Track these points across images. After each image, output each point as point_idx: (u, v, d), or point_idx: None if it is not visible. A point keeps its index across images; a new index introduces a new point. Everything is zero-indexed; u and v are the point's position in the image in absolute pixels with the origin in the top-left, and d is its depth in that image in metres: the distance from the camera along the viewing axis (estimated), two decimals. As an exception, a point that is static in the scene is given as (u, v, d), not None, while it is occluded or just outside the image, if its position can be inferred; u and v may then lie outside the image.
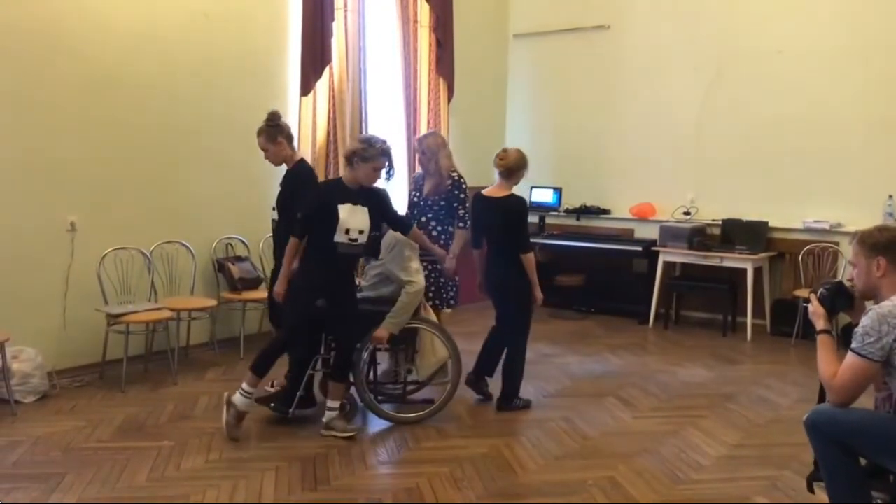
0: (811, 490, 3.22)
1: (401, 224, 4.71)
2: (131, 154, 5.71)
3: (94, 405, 4.92)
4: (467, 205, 5.34)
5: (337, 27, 6.87)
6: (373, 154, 4.41)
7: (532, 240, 8.11)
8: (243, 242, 6.36)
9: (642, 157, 8.13)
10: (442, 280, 5.30)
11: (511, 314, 5.05)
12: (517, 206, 4.99)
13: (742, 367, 6.23)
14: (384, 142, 4.51)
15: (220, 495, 3.67)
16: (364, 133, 7.05)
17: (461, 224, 5.31)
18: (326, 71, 6.81)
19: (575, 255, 8.20)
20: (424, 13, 7.78)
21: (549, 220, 8.59)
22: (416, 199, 5.44)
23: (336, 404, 4.51)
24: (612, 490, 3.81)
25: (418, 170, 5.70)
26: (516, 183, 5.05)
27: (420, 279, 4.66)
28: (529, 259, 4.89)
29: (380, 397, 4.88)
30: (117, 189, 5.65)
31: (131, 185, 5.72)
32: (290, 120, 6.74)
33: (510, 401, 5.01)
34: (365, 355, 4.66)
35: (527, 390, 5.37)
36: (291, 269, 4.49)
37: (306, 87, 6.72)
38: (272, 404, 4.72)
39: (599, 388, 5.52)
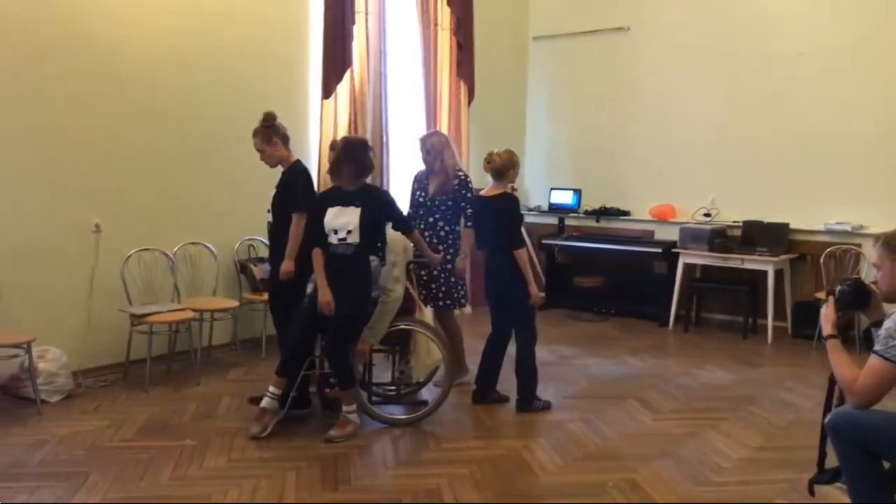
0: (811, 492, 3.23)
1: (404, 225, 4.73)
2: (155, 156, 5.78)
3: (118, 405, 4.98)
4: (473, 203, 5.37)
5: (358, 30, 6.90)
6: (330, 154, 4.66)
7: (551, 241, 8.28)
8: (265, 244, 6.38)
9: (662, 158, 8.11)
10: (452, 280, 5.31)
11: (511, 315, 5.04)
12: (506, 204, 5.02)
13: (763, 369, 6.21)
14: (337, 139, 4.77)
15: (241, 494, 3.71)
16: (385, 136, 7.09)
17: (468, 223, 5.33)
18: (347, 74, 6.84)
19: (594, 256, 8.19)
20: (445, 16, 7.80)
21: (568, 222, 8.59)
22: (420, 199, 5.43)
23: (353, 408, 4.53)
24: (632, 492, 3.81)
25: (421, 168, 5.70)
26: (511, 182, 5.08)
27: (398, 289, 4.60)
28: (521, 255, 4.90)
29: (374, 398, 4.90)
30: (141, 191, 5.72)
31: (154, 187, 5.79)
32: (312, 123, 6.82)
33: (529, 402, 5.02)
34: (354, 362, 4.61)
35: (546, 391, 5.38)
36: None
37: (327, 91, 6.76)
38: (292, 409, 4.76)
39: (619, 390, 5.52)
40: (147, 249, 5.67)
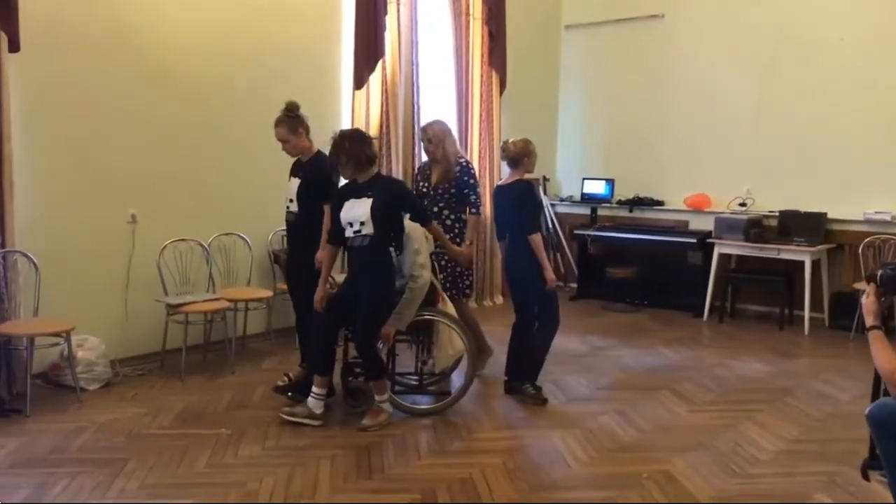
0: (866, 478, 3.17)
1: (421, 215, 4.71)
2: (190, 148, 5.84)
3: (155, 393, 5.05)
4: (478, 190, 5.38)
5: (390, 21, 6.91)
6: None
7: (583, 232, 8.24)
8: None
9: (697, 147, 8.02)
10: (458, 269, 5.30)
11: (531, 302, 5.01)
12: (519, 190, 5.00)
13: (799, 361, 6.13)
14: (335, 131, 4.64)
15: (276, 482, 3.74)
16: (416, 126, 7.09)
17: (473, 210, 5.32)
18: (379, 65, 6.85)
19: (627, 247, 8.14)
20: (477, 5, 7.78)
21: (601, 212, 8.55)
22: (424, 189, 5.41)
23: (384, 397, 4.55)
24: (667, 484, 3.78)
25: (424, 159, 5.68)
26: (528, 171, 5.04)
27: (425, 274, 4.59)
28: (535, 241, 4.86)
29: (397, 387, 4.91)
30: (176, 182, 5.77)
31: (189, 179, 5.84)
32: (344, 113, 6.84)
33: (519, 386, 5.02)
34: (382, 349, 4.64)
35: (579, 382, 5.39)
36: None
37: (359, 81, 6.77)
38: (289, 393, 4.80)
39: (653, 381, 5.48)
40: (182, 240, 5.72)
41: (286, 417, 4.48)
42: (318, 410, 4.50)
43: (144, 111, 5.57)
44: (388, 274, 4.51)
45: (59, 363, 5.04)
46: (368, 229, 4.41)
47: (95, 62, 5.30)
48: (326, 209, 4.68)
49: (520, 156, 4.97)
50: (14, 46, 4.78)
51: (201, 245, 5.84)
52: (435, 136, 5.32)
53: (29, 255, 4.92)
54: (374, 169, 4.55)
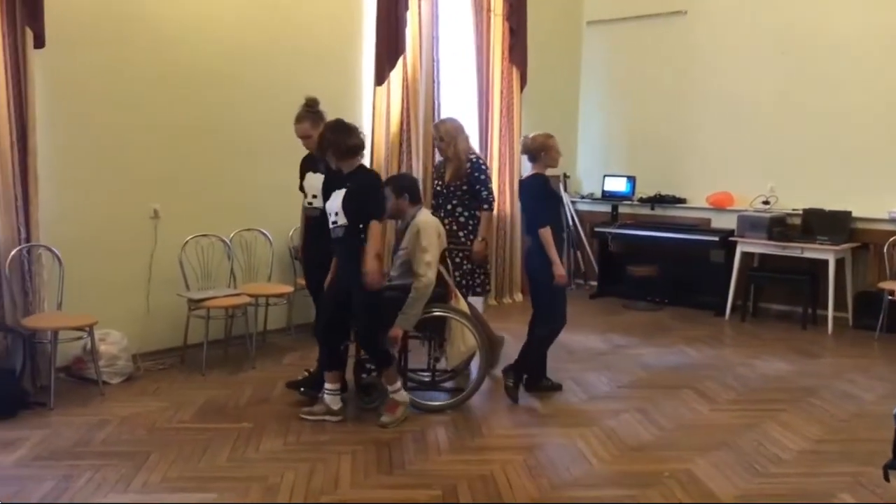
0: (887, 478, 3.13)
1: (373, 213, 4.44)
2: (212, 143, 5.86)
3: (177, 387, 5.08)
4: (490, 186, 5.35)
5: (411, 17, 6.90)
6: None
7: (604, 229, 8.20)
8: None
9: (719, 145, 7.96)
10: (469, 266, 5.28)
11: (540, 295, 4.99)
12: (531, 183, 5.01)
13: (823, 360, 6.06)
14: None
15: (297, 477, 3.75)
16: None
17: (485, 206, 5.30)
18: (400, 61, 6.84)
19: (648, 245, 8.08)
20: (498, 2, 7.76)
21: (622, 210, 8.50)
22: (438, 187, 5.41)
23: (397, 386, 4.52)
24: (689, 483, 3.75)
25: (438, 158, 5.66)
26: (549, 165, 4.99)
27: (429, 273, 4.54)
28: (544, 235, 4.83)
29: (410, 384, 4.90)
30: (198, 178, 5.80)
31: (211, 174, 5.87)
32: (365, 110, 6.84)
33: (534, 384, 5.02)
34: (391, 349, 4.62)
35: (600, 380, 5.37)
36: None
37: (380, 77, 6.77)
38: (301, 389, 4.81)
39: (675, 379, 5.44)
40: (204, 235, 5.75)
41: (305, 417, 4.50)
42: (336, 406, 4.50)
43: (167, 107, 5.59)
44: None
45: (83, 357, 5.09)
46: (342, 220, 4.40)
47: (119, 58, 5.33)
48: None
49: (537, 150, 4.95)
50: (39, 42, 4.81)
51: (223, 240, 5.86)
52: (447, 134, 5.32)
53: (53, 249, 4.96)
54: (356, 160, 4.48)
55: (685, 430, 4.48)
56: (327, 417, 4.47)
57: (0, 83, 4.65)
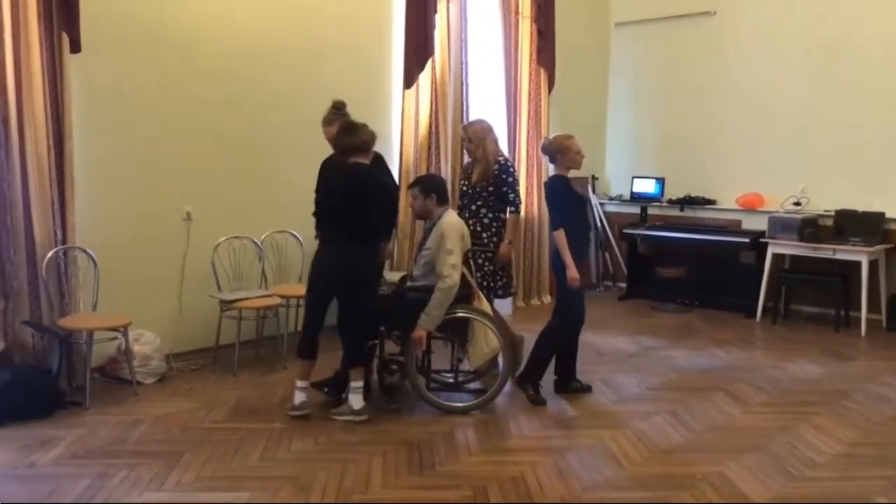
0: None
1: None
2: (243, 147, 5.92)
3: (209, 388, 5.13)
4: (517, 188, 5.33)
5: (439, 19, 6.93)
6: (375, 139, 4.70)
7: (633, 231, 8.16)
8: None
9: (750, 145, 7.89)
10: (491, 268, 5.27)
11: (560, 293, 4.98)
12: (550, 184, 5.04)
13: (857, 363, 5.99)
14: None
15: (328, 477, 3.77)
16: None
17: (512, 209, 5.29)
18: (429, 63, 6.88)
19: (678, 246, 8.03)
20: (526, 4, 7.76)
21: (651, 211, 8.45)
22: (464, 189, 5.41)
23: (358, 384, 4.53)
24: (722, 486, 3.72)
25: (467, 159, 5.66)
26: (569, 167, 4.95)
27: (454, 275, 4.54)
28: (557, 237, 4.84)
29: (433, 385, 4.91)
30: (230, 180, 5.86)
31: (243, 177, 5.93)
32: (394, 112, 6.88)
33: (522, 381, 4.96)
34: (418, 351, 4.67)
35: (630, 382, 5.35)
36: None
37: (409, 80, 6.80)
38: (325, 389, 4.82)
39: (706, 382, 5.40)
40: (236, 237, 5.81)
41: (335, 418, 4.53)
42: (357, 405, 4.51)
43: (200, 111, 5.66)
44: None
45: (117, 357, 5.15)
46: None
47: (152, 64, 5.41)
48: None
49: (554, 152, 4.95)
50: (75, 48, 4.89)
51: (254, 242, 5.92)
52: (475, 135, 5.31)
53: (88, 251, 5.04)
54: (355, 157, 4.56)
55: (717, 433, 4.45)
56: (350, 417, 4.49)
57: (37, 88, 4.73)
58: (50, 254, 4.84)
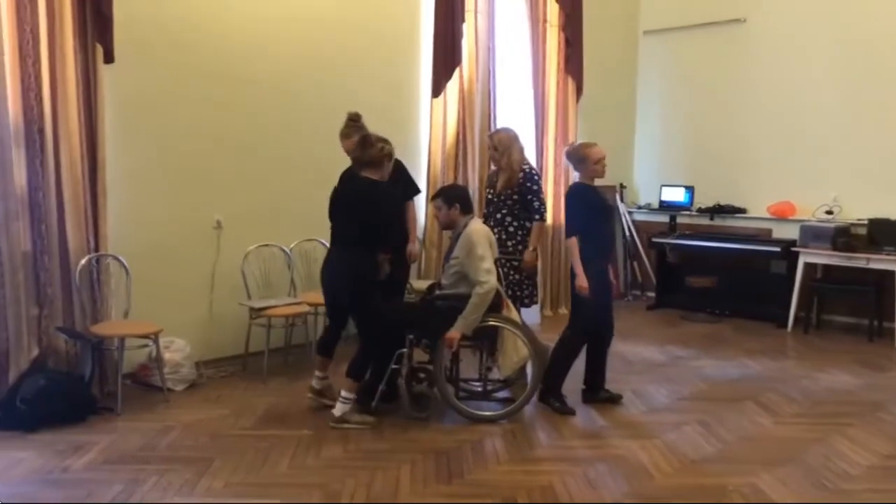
0: None
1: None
2: (271, 157, 5.96)
3: (238, 395, 5.15)
4: (541, 196, 5.31)
5: (467, 29, 6.94)
6: (393, 153, 4.75)
7: (662, 240, 8.11)
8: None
9: (780, 154, 7.82)
10: (517, 277, 5.24)
11: (597, 309, 4.92)
12: (568, 193, 5.08)
13: (891, 374, 5.89)
14: None
15: (358, 484, 3.78)
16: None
17: (536, 217, 5.27)
18: (456, 72, 6.89)
19: (708, 255, 7.97)
20: (554, 12, 7.76)
21: (680, 220, 8.39)
22: (489, 196, 5.41)
23: (350, 396, 4.57)
24: (755, 497, 3.67)
25: (492, 167, 5.65)
26: (592, 175, 4.90)
27: (491, 279, 4.55)
28: (567, 244, 4.85)
29: (461, 393, 4.89)
30: (260, 189, 5.90)
31: (273, 186, 5.97)
32: (422, 121, 6.90)
33: (546, 397, 4.92)
34: (447, 352, 4.66)
35: (660, 392, 5.31)
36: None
37: (437, 89, 6.83)
38: (355, 397, 4.82)
39: (737, 392, 5.34)
40: (266, 245, 5.86)
41: (332, 426, 4.57)
42: (337, 413, 4.56)
43: (230, 121, 5.72)
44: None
45: (148, 364, 5.20)
46: None
47: (183, 73, 5.47)
48: (410, 204, 5.10)
49: (574, 160, 4.95)
50: (109, 58, 4.96)
51: (283, 250, 5.95)
52: (501, 143, 5.32)
53: (120, 258, 5.09)
54: (367, 172, 4.64)
55: (749, 444, 4.39)
56: (351, 426, 4.53)
57: (72, 98, 4.80)
58: (83, 261, 4.90)
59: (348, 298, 4.63)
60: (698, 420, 4.74)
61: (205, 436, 4.40)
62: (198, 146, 5.58)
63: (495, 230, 5.25)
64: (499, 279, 4.91)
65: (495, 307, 4.72)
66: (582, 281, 4.75)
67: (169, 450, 4.20)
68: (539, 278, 5.73)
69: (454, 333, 4.55)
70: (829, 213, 7.35)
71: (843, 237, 7.03)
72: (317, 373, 4.92)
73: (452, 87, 6.91)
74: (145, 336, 4.97)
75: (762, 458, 4.14)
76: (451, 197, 4.81)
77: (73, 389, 4.66)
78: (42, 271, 4.77)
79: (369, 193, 4.60)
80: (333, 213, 4.74)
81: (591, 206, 4.89)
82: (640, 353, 6.34)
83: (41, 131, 4.70)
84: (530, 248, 5.27)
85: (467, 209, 4.81)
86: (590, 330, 4.93)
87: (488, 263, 4.59)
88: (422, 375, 4.78)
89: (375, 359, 4.68)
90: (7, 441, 4.24)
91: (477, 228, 4.71)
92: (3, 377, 4.65)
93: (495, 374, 4.99)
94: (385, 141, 4.69)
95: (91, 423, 4.55)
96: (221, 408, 4.88)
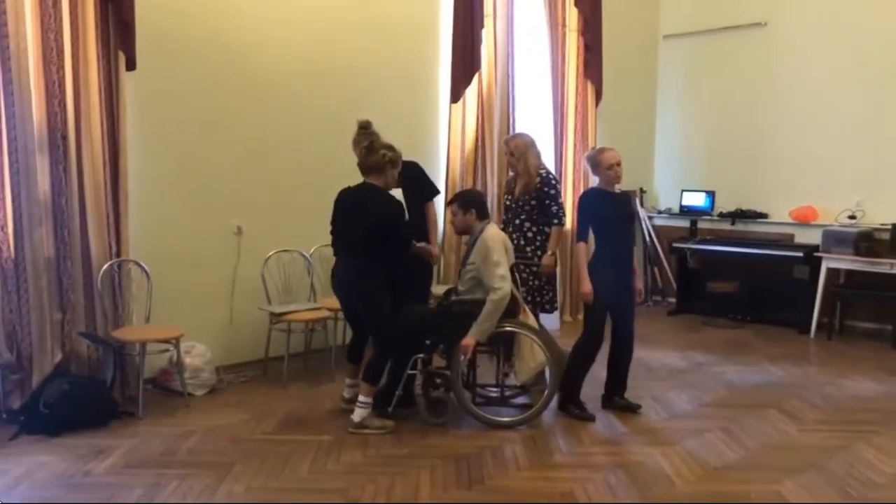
0: None
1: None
2: (291, 163, 5.99)
3: (258, 399, 5.17)
4: (560, 201, 5.28)
5: (486, 34, 6.95)
6: (399, 160, 4.75)
7: (682, 245, 8.07)
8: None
9: (802, 158, 7.75)
10: (537, 282, 5.21)
11: (617, 315, 4.91)
12: (581, 197, 5.09)
13: (917, 381, 5.82)
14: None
15: (378, 490, 3.77)
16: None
17: (555, 221, 5.24)
18: (475, 78, 6.89)
19: (729, 260, 7.92)
20: (573, 17, 7.75)
21: (701, 225, 8.35)
22: (508, 203, 5.39)
23: (367, 400, 4.57)
24: (778, 504, 3.65)
25: (510, 173, 5.63)
26: (608, 180, 4.84)
27: (505, 286, 4.52)
28: (575, 249, 4.85)
29: (478, 399, 4.88)
30: (280, 195, 5.93)
31: (293, 192, 5.99)
32: (441, 127, 6.90)
33: (565, 406, 4.90)
34: (463, 359, 4.63)
35: (681, 399, 5.27)
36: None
37: (456, 95, 6.83)
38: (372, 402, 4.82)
39: (759, 398, 5.29)
40: (285, 251, 5.88)
41: (351, 431, 4.58)
42: (356, 418, 4.57)
43: (249, 126, 5.75)
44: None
45: (169, 369, 5.23)
46: None
47: (202, 79, 5.50)
48: (430, 205, 5.15)
49: (589, 164, 4.94)
50: (131, 65, 5.00)
51: (303, 255, 5.97)
52: (517, 149, 5.29)
53: (142, 264, 5.13)
54: (370, 177, 4.71)
55: (772, 451, 4.35)
56: (370, 431, 4.54)
57: (94, 105, 4.85)
58: (105, 266, 4.94)
59: (356, 303, 4.69)
60: (720, 427, 4.70)
61: (225, 440, 4.42)
62: (218, 152, 5.61)
63: (514, 236, 5.24)
64: (516, 284, 4.90)
65: (512, 312, 4.70)
66: (584, 286, 4.76)
67: (190, 454, 4.22)
68: (558, 283, 5.68)
69: (469, 341, 4.53)
70: (853, 217, 7.28)
71: (866, 242, 6.96)
72: (347, 380, 4.96)
73: (471, 92, 6.91)
74: (166, 341, 4.99)
75: (785, 466, 4.10)
76: (466, 202, 4.81)
77: (95, 394, 4.70)
78: (65, 276, 4.82)
79: (369, 199, 4.63)
80: (335, 221, 4.81)
81: (599, 213, 4.83)
82: (661, 359, 6.29)
83: (64, 137, 4.75)
84: (549, 253, 5.26)
85: (483, 214, 4.80)
86: (596, 335, 4.88)
87: (503, 270, 4.57)
88: (438, 381, 4.77)
89: (394, 363, 4.68)
90: (31, 445, 4.28)
91: (493, 234, 4.70)
92: (27, 382, 4.69)
93: (512, 380, 4.97)
94: (389, 147, 4.70)
95: (113, 427, 4.58)
96: (242, 412, 4.90)
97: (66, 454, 4.15)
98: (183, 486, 3.79)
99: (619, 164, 4.82)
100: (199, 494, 3.71)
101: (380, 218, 4.60)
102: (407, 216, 4.91)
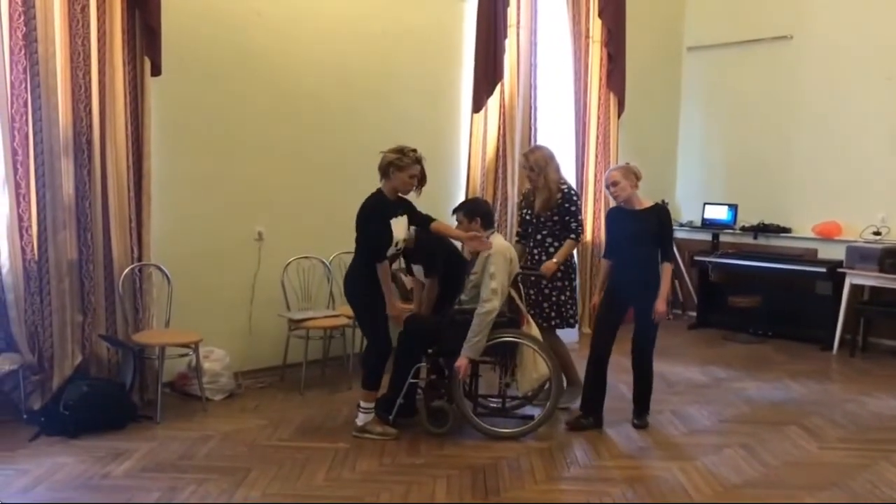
0: None
1: (425, 221, 4.79)
2: (313, 169, 6.01)
3: (276, 405, 5.18)
4: (580, 217, 5.25)
5: (509, 44, 6.94)
6: (407, 163, 4.57)
7: (704, 258, 8.03)
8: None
9: (827, 173, 7.68)
10: (561, 298, 5.18)
11: (639, 325, 4.91)
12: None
13: (942, 400, 5.73)
14: (415, 150, 4.63)
15: (392, 498, 3.76)
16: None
17: (572, 236, 5.18)
18: (498, 88, 6.89)
19: (751, 275, 7.84)
20: (596, 28, 7.73)
21: (723, 238, 8.28)
22: (527, 217, 5.32)
23: (369, 405, 4.58)
24: (798, 523, 3.59)
25: (527, 185, 5.55)
26: (615, 196, 4.87)
27: (494, 301, 4.47)
28: (599, 265, 4.88)
29: (480, 410, 4.84)
30: (301, 202, 5.95)
31: (313, 199, 6.01)
32: (462, 136, 6.90)
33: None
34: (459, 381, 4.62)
35: (701, 414, 5.22)
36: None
37: (478, 104, 6.83)
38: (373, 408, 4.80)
39: (780, 415, 5.23)
40: (305, 257, 5.89)
41: (356, 435, 4.60)
42: (359, 423, 4.60)
43: (271, 133, 5.78)
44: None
45: (187, 373, 5.25)
46: (402, 244, 4.75)
47: (226, 86, 5.54)
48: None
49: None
50: (156, 71, 5.04)
51: (323, 262, 5.98)
52: (536, 164, 5.17)
53: (163, 268, 5.16)
54: (383, 179, 4.69)
55: (792, 468, 4.29)
56: (374, 437, 4.56)
57: (119, 109, 4.89)
58: (126, 270, 4.97)
59: (349, 304, 4.77)
60: (740, 443, 4.65)
61: (242, 446, 4.43)
62: (240, 159, 5.64)
63: (535, 251, 5.20)
64: (520, 295, 4.85)
65: (515, 324, 4.69)
66: (594, 299, 5.00)
67: (207, 459, 4.23)
68: (578, 295, 5.64)
69: (461, 361, 4.49)
70: (877, 233, 7.20)
71: (891, 258, 6.86)
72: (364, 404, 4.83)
73: (493, 102, 6.91)
74: (185, 345, 5.02)
75: (806, 483, 4.05)
76: (472, 211, 4.80)
77: (114, 397, 4.72)
78: (87, 279, 4.86)
79: (365, 205, 4.69)
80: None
81: (609, 230, 5.04)
82: (681, 374, 6.24)
83: (89, 142, 4.80)
84: (554, 260, 5.13)
85: (488, 224, 4.79)
86: (592, 347, 4.91)
87: (496, 283, 4.52)
88: (441, 391, 4.75)
89: (396, 371, 4.69)
90: (51, 446, 4.31)
91: (497, 245, 4.66)
92: (48, 383, 4.73)
93: (514, 391, 4.92)
94: (391, 150, 4.64)
95: (131, 430, 4.61)
96: (259, 418, 4.90)
97: (85, 456, 4.18)
98: (200, 490, 3.80)
99: (613, 185, 4.77)
100: (215, 499, 3.71)
101: (357, 220, 4.68)
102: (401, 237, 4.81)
